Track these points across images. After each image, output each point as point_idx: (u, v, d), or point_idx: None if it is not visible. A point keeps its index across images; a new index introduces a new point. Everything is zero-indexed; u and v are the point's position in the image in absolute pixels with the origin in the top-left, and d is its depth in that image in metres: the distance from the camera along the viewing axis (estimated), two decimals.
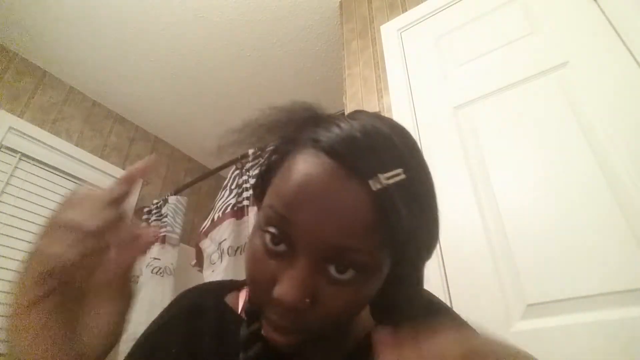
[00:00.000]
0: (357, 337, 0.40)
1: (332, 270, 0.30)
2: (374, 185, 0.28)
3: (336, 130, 0.31)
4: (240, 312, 0.43)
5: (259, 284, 0.32)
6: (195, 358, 0.39)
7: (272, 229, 0.31)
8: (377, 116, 0.35)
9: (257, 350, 0.35)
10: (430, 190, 0.34)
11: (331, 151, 0.30)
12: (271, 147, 0.37)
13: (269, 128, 0.36)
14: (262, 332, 0.33)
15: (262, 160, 0.38)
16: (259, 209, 0.39)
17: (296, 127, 0.35)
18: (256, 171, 1.54)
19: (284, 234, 0.30)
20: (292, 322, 0.31)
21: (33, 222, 1.78)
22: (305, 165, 0.30)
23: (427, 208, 0.33)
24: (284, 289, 0.29)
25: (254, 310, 0.37)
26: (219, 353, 0.39)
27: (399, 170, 0.29)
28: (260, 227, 0.32)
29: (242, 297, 0.45)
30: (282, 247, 0.31)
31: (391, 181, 0.29)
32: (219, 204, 1.64)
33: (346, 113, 1.52)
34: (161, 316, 0.45)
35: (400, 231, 0.30)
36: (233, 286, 0.47)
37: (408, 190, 0.30)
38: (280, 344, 0.31)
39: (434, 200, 0.34)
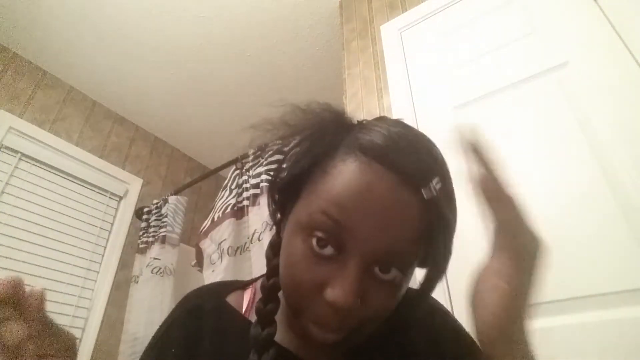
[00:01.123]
0: None
1: (377, 270, 0.32)
2: (427, 194, 0.31)
3: (381, 137, 0.33)
4: (245, 312, 0.43)
5: (305, 287, 0.32)
6: (195, 359, 0.39)
7: (320, 234, 0.32)
8: (404, 124, 0.37)
9: (273, 355, 0.34)
10: (454, 196, 0.36)
11: (384, 160, 0.31)
12: (295, 150, 0.37)
13: (297, 129, 0.37)
14: (302, 332, 0.34)
15: (284, 164, 0.38)
16: (281, 211, 0.40)
17: (333, 132, 0.35)
18: (257, 171, 1.54)
19: (335, 239, 0.31)
20: (339, 322, 0.32)
21: (33, 222, 1.78)
22: (362, 175, 0.31)
23: (456, 213, 0.35)
24: (339, 292, 0.30)
25: (270, 311, 0.37)
26: (218, 353, 0.39)
27: (438, 178, 0.32)
28: (304, 231, 0.33)
29: (247, 297, 0.45)
30: (329, 250, 0.32)
31: (438, 187, 0.31)
32: (219, 204, 1.64)
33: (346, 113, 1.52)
34: (165, 320, 0.45)
35: (443, 234, 0.32)
36: (236, 286, 0.47)
37: (448, 196, 0.33)
38: (323, 341, 0.32)
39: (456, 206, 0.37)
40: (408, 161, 0.31)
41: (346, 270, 0.31)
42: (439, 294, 0.82)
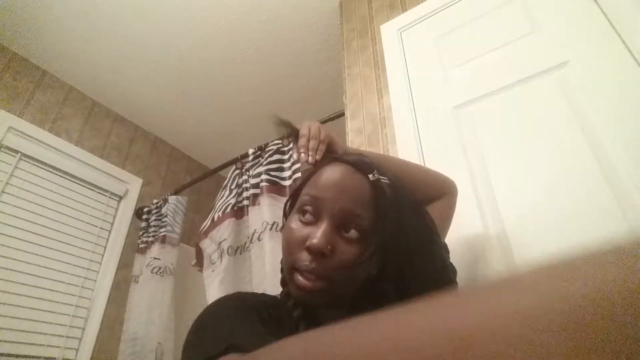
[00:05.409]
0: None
1: (343, 232, 0.45)
2: (371, 177, 0.47)
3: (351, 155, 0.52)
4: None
5: (294, 243, 0.46)
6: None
7: (305, 207, 0.47)
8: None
9: (299, 313, 0.48)
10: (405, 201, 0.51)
11: (343, 160, 0.50)
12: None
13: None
14: (294, 285, 0.45)
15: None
16: (291, 208, 0.53)
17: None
18: (256, 170, 1.54)
19: (314, 209, 0.47)
20: (317, 266, 0.43)
21: (33, 222, 1.78)
22: (329, 168, 0.49)
23: (412, 215, 0.50)
24: (314, 238, 0.44)
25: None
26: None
27: (387, 178, 0.48)
28: (297, 211, 0.49)
29: None
30: (309, 218, 0.47)
31: (381, 179, 0.47)
32: (219, 203, 1.64)
33: (346, 113, 1.52)
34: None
35: (385, 209, 0.46)
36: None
37: (394, 188, 0.48)
38: (307, 287, 0.43)
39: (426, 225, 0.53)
40: (358, 160, 0.49)
41: (320, 227, 0.45)
42: None
